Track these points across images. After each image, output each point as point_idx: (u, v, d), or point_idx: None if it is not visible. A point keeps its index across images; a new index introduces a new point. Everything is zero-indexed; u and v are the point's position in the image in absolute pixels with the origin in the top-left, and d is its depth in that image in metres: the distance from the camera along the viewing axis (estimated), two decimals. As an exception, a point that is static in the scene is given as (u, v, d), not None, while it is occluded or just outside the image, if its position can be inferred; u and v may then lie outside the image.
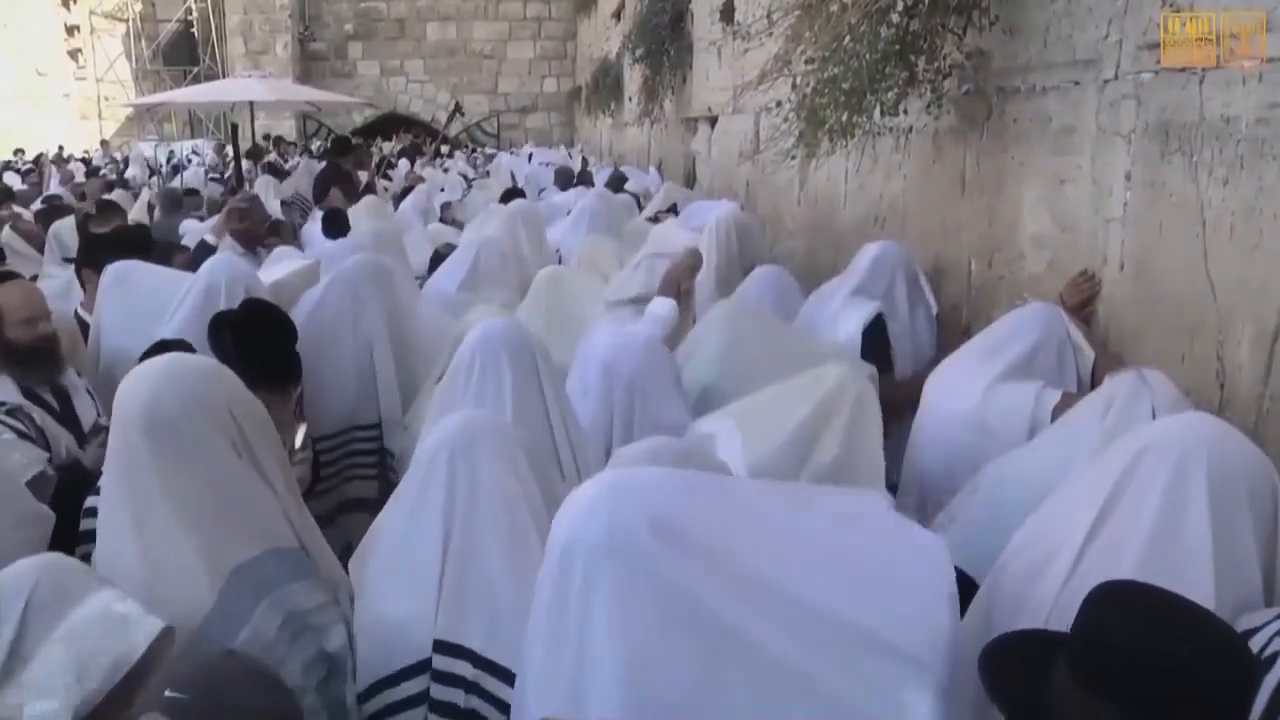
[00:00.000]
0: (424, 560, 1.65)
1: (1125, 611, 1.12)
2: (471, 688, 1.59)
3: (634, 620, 1.20)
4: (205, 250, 4.53)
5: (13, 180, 11.74)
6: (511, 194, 7.01)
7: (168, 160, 15.26)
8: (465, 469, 1.66)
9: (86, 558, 1.90)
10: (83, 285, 3.77)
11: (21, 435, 2.44)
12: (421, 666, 1.62)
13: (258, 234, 5.09)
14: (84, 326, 3.55)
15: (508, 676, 1.55)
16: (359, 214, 5.79)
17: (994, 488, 1.96)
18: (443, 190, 9.19)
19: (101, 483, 1.73)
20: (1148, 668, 1.07)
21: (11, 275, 3.05)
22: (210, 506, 1.60)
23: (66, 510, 1.99)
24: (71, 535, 1.95)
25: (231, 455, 1.64)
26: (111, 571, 1.57)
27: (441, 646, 1.61)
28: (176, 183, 10.46)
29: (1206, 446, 1.42)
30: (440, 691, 1.61)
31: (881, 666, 1.22)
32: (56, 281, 4.30)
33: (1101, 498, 1.46)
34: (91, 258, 3.73)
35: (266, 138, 17.11)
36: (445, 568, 1.62)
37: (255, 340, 2.41)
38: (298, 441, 2.48)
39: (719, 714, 1.19)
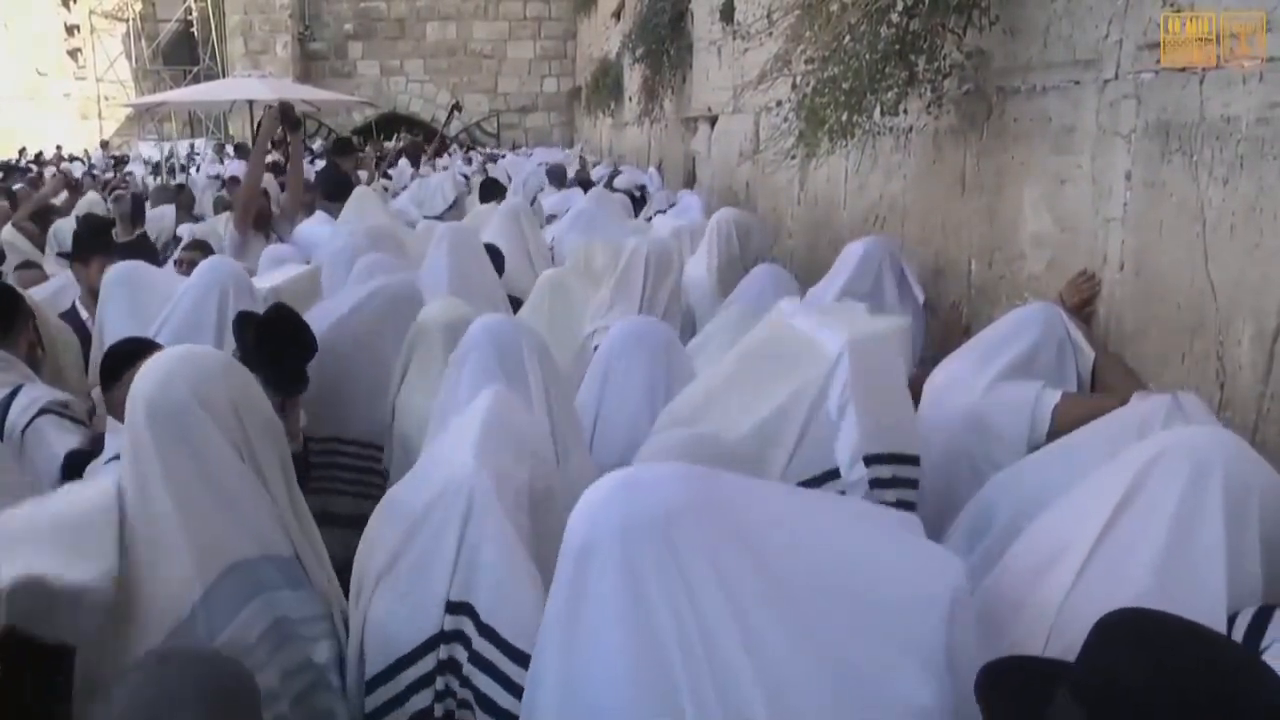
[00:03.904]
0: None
1: (1134, 646, 1.08)
2: (474, 656, 1.58)
3: (642, 617, 1.21)
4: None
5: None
6: (489, 187, 7.01)
7: (167, 159, 15.23)
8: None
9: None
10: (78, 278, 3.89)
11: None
12: (431, 643, 1.60)
13: (266, 216, 5.39)
14: (76, 320, 3.59)
15: (506, 647, 1.54)
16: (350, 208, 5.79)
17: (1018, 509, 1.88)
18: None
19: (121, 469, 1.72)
20: (1160, 708, 1.03)
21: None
22: (207, 501, 1.59)
23: None
24: None
25: (232, 455, 1.64)
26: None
27: (449, 606, 1.61)
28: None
29: (1223, 455, 1.43)
30: (444, 650, 1.61)
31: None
32: (54, 280, 4.32)
33: (1113, 502, 1.46)
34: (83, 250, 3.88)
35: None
36: (460, 550, 1.62)
37: (277, 344, 2.44)
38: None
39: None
